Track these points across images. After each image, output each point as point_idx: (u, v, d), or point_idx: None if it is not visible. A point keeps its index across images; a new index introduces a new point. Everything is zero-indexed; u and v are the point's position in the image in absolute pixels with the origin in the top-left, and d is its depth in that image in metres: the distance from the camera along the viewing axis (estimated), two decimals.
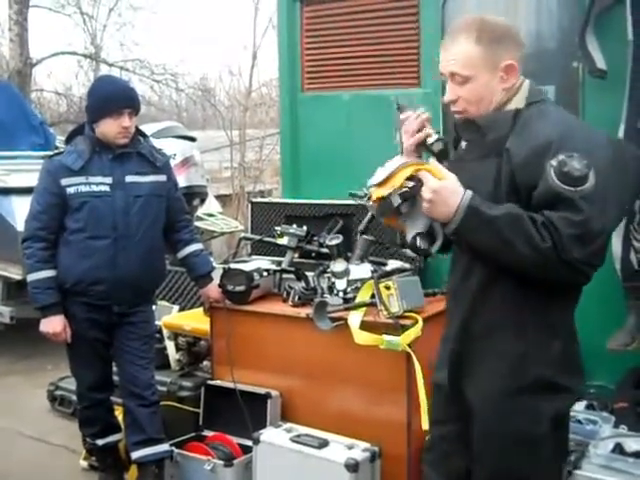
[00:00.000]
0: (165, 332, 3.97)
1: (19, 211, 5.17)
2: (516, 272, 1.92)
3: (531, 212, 1.85)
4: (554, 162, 1.81)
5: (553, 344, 2.00)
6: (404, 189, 1.90)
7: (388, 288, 2.99)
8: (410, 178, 1.93)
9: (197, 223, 5.79)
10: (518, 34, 2.03)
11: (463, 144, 2.14)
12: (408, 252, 2.00)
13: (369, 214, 3.39)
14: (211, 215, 6.75)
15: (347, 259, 3.46)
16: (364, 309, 3.05)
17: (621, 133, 3.13)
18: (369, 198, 2.02)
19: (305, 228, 3.84)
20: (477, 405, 2.08)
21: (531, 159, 1.87)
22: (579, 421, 3.00)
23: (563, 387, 2.02)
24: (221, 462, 3.19)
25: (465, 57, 1.95)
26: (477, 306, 2.04)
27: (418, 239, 1.99)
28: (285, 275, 3.64)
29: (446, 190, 1.87)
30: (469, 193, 1.87)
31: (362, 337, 2.93)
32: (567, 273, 1.84)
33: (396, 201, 1.90)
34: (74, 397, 4.04)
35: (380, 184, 1.95)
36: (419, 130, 2.11)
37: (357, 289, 3.20)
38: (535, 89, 2.04)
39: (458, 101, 2.02)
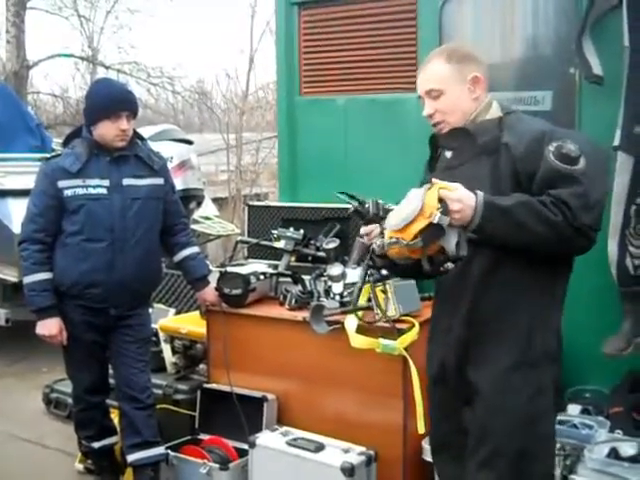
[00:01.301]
0: (161, 335, 3.97)
1: (15, 213, 5.16)
2: (534, 251, 2.10)
3: (535, 197, 2.05)
4: (551, 147, 2.07)
5: (554, 316, 2.22)
6: (441, 209, 1.97)
7: (384, 292, 3.00)
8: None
9: (193, 226, 5.79)
10: (479, 56, 2.35)
11: (448, 154, 2.33)
12: (448, 266, 2.02)
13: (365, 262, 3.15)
14: (207, 218, 6.73)
15: (344, 263, 3.46)
16: (361, 313, 3.05)
17: (617, 139, 3.14)
18: (400, 240, 2.02)
19: (302, 231, 3.84)
20: (483, 385, 2.19)
21: (530, 149, 2.11)
22: (574, 425, 3.00)
23: (557, 357, 2.23)
24: (217, 465, 3.19)
25: (437, 74, 2.27)
26: (480, 294, 2.19)
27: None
28: (282, 278, 3.65)
29: (465, 195, 2.03)
30: (479, 192, 2.05)
31: (358, 341, 2.92)
32: (578, 240, 2.05)
33: (445, 220, 1.96)
34: (69, 400, 4.04)
35: (414, 219, 1.98)
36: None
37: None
38: (504, 104, 2.34)
39: (435, 114, 2.28)
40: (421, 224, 1.97)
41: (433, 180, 2.05)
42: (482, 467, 2.17)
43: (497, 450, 2.15)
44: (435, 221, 1.95)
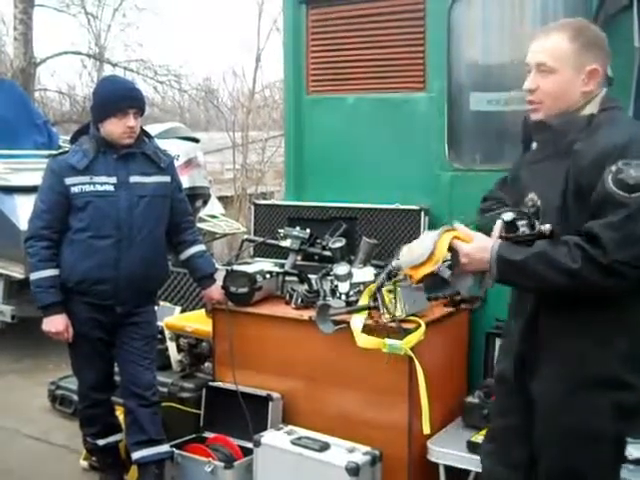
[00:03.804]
0: (167, 333, 3.98)
1: (22, 210, 5.18)
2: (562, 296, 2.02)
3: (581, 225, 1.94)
4: (613, 168, 1.91)
5: (619, 340, 2.04)
6: (448, 261, 2.03)
7: (391, 292, 2.99)
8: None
9: (199, 224, 5.80)
10: (607, 46, 2.12)
11: (534, 145, 2.21)
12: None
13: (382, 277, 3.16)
14: (213, 217, 6.75)
15: (350, 262, 3.46)
16: (367, 312, 3.05)
17: None
18: (410, 277, 2.14)
19: (308, 231, 3.84)
20: (540, 401, 2.14)
21: (595, 162, 1.96)
22: None
23: (627, 384, 2.04)
24: (221, 464, 3.19)
25: (556, 50, 2.05)
26: (540, 309, 2.12)
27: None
28: (288, 277, 3.64)
29: (475, 251, 2.02)
30: (495, 246, 2.00)
31: (364, 340, 2.93)
32: (608, 281, 1.89)
33: (446, 273, 2.03)
34: (75, 397, 4.05)
35: (423, 263, 2.05)
36: None
37: (360, 292, 3.20)
38: (610, 97, 2.13)
39: (537, 91, 2.10)
40: (428, 269, 2.05)
41: (455, 225, 2.05)
42: None
43: (551, 467, 2.13)
44: (437, 271, 2.02)
